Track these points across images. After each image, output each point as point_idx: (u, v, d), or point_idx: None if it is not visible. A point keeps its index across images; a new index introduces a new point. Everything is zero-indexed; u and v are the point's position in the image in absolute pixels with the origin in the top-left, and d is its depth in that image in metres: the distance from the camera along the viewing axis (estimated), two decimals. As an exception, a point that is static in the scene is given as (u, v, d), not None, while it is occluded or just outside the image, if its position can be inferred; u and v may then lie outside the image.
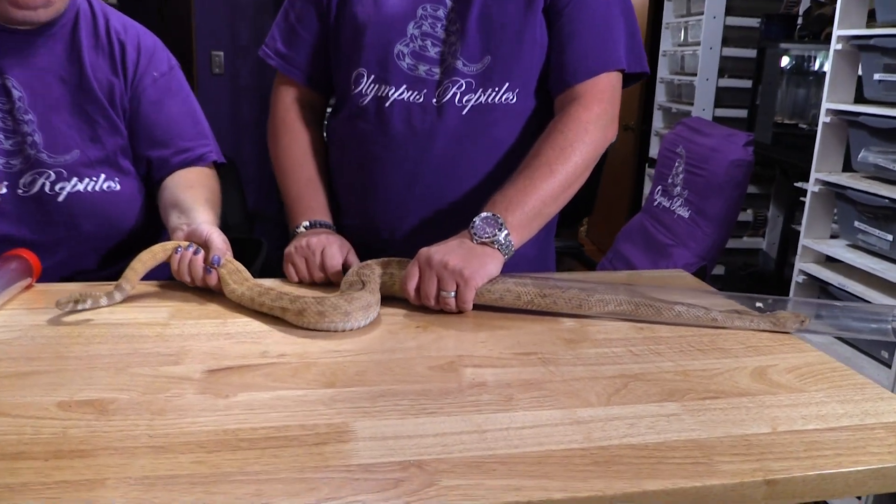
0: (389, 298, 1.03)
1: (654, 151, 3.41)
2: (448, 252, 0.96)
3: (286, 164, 1.21)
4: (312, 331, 0.92)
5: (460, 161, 1.13)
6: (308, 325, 0.92)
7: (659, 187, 2.20)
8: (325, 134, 1.28)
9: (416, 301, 0.99)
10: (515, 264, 1.05)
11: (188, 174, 1.19)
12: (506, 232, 0.98)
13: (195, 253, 1.03)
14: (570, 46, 1.10)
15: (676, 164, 2.12)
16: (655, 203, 2.19)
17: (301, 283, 1.10)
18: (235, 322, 0.94)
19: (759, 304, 1.00)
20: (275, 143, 1.23)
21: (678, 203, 2.05)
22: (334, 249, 1.08)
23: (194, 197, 1.12)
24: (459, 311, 0.98)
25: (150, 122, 1.17)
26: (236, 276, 1.01)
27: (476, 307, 0.98)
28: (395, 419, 0.70)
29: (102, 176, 1.14)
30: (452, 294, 0.96)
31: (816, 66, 2.60)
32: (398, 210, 1.16)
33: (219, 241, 1.02)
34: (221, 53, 3.75)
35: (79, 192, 1.12)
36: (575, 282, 1.02)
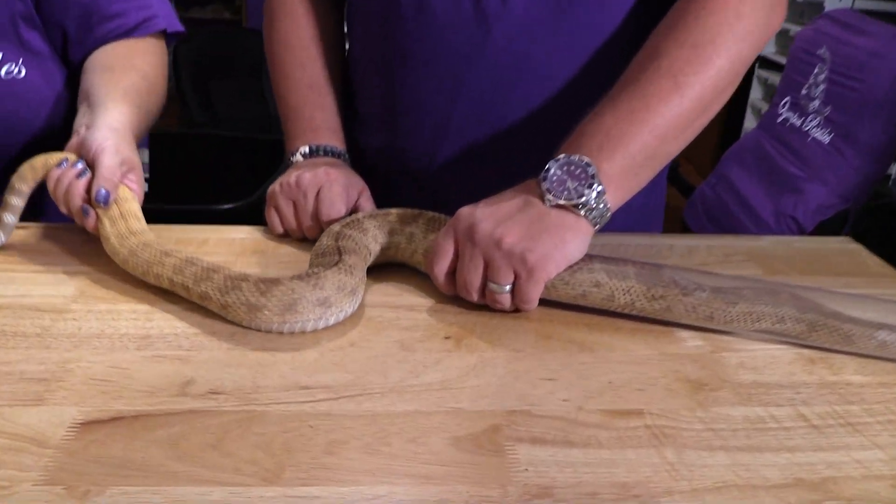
0: (407, 270, 0.68)
1: (768, 49, 2.83)
2: (503, 220, 0.59)
3: (283, 61, 0.84)
4: (271, 332, 0.58)
5: (529, 59, 0.73)
6: (238, 322, 0.59)
7: (787, 99, 1.72)
8: (344, 20, 0.89)
9: (447, 290, 0.64)
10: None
11: (114, 50, 0.82)
12: (599, 188, 0.60)
13: (79, 175, 0.68)
14: None
15: (816, 70, 1.63)
16: (781, 119, 1.72)
17: (288, 236, 0.76)
18: (169, 312, 0.61)
19: None
20: (269, 31, 0.86)
21: (815, 123, 1.58)
22: (336, 191, 0.72)
23: (109, 84, 0.76)
24: (516, 310, 0.63)
25: None
26: (121, 227, 0.66)
27: (543, 302, 0.62)
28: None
29: None
30: (507, 289, 0.60)
31: None
32: (436, 128, 0.78)
33: (109, 163, 0.67)
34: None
35: None
36: (701, 273, 0.63)
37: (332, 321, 0.59)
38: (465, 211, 0.61)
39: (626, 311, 0.62)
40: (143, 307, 0.61)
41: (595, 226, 0.61)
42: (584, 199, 0.59)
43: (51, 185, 0.68)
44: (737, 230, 1.63)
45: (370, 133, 0.84)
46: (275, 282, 0.58)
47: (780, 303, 0.59)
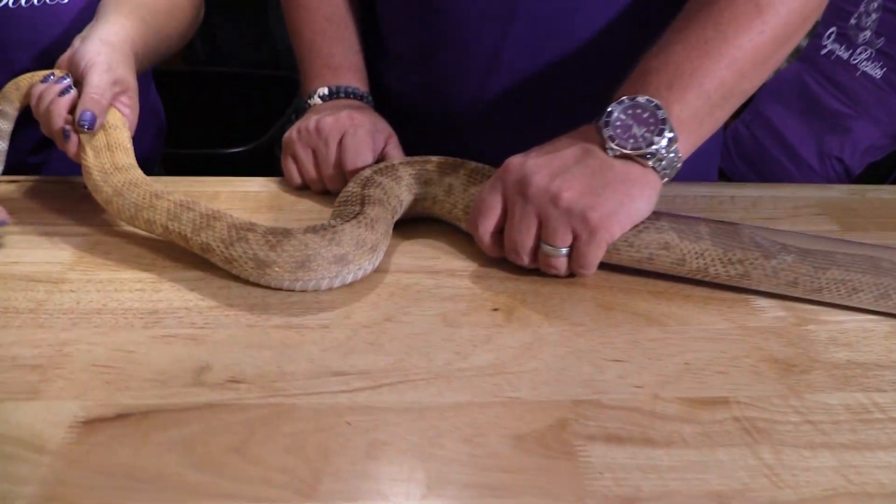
0: (443, 226, 0.61)
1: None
2: (560, 172, 0.51)
3: None
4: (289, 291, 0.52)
5: None
6: (244, 277, 0.53)
7: (833, 30, 1.59)
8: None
9: (492, 252, 0.56)
10: None
11: None
12: (670, 135, 0.51)
13: (63, 92, 0.59)
14: None
15: (866, -5, 1.50)
16: (825, 51, 1.59)
17: (308, 188, 0.68)
18: (178, 281, 0.54)
19: None
20: None
21: (865, 56, 1.46)
22: (361, 137, 0.64)
23: None
24: (571, 275, 0.55)
25: None
26: (106, 161, 0.57)
27: (601, 266, 0.55)
28: None
29: None
30: (564, 251, 0.52)
31: None
32: (485, 64, 0.68)
33: (98, 81, 0.58)
34: None
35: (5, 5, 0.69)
36: (784, 233, 0.55)
37: (349, 279, 0.53)
38: (514, 161, 0.53)
39: (696, 276, 0.54)
40: (149, 275, 0.54)
41: (664, 178, 0.53)
42: (653, 147, 0.51)
43: (33, 103, 0.59)
44: (775, 172, 1.53)
45: (402, 73, 0.75)
46: (286, 234, 0.51)
47: (882, 271, 0.51)
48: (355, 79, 0.72)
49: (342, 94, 0.70)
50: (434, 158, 0.61)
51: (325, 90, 0.70)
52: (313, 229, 0.52)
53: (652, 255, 0.54)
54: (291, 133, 0.67)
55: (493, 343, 0.49)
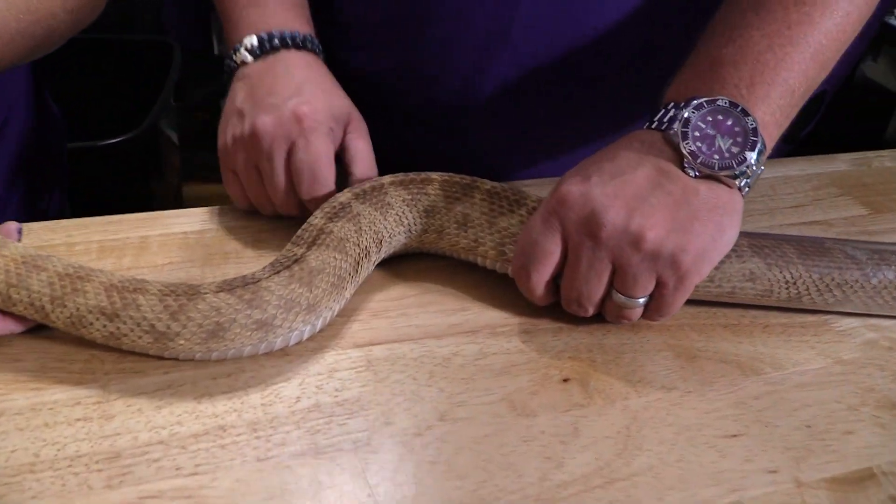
0: (451, 260, 0.49)
1: None
2: (637, 204, 0.40)
3: None
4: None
5: None
6: (140, 352, 0.40)
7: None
8: None
9: (543, 301, 0.44)
10: None
11: None
12: (760, 147, 0.41)
13: None
14: None
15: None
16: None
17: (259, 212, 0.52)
18: (133, 387, 0.38)
19: None
20: None
21: None
22: (316, 148, 0.47)
23: None
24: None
25: None
26: None
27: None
28: None
29: None
30: (643, 301, 0.42)
31: None
32: (479, 48, 0.55)
33: None
34: None
35: None
36: (869, 242, 0.48)
37: (277, 345, 0.41)
38: (573, 191, 0.41)
39: (786, 305, 0.46)
40: (88, 391, 0.38)
41: (745, 195, 0.43)
42: (744, 166, 0.41)
43: None
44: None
45: (372, 52, 0.59)
46: (191, 294, 0.39)
47: None
48: (293, 16, 0.53)
49: (278, 43, 0.51)
50: (434, 177, 0.48)
51: (254, 39, 0.51)
52: (230, 285, 0.39)
53: (735, 289, 0.45)
54: (224, 140, 0.50)
55: (584, 435, 0.38)
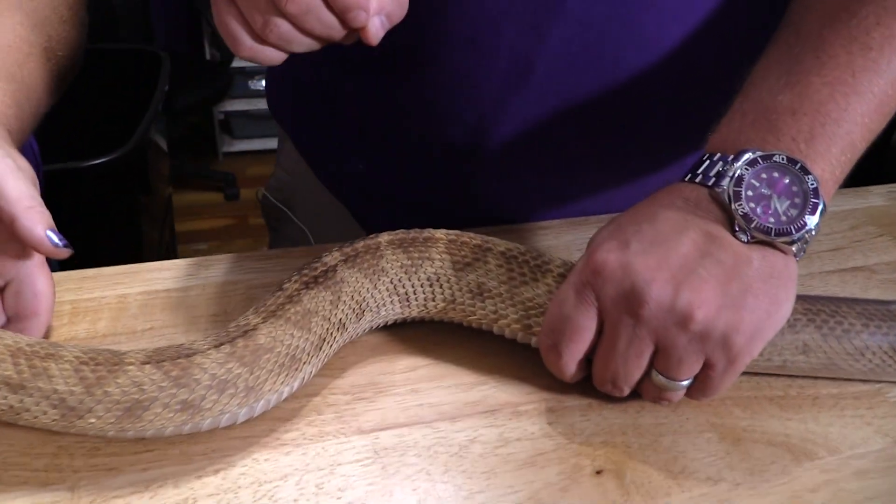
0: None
1: None
2: (684, 276, 0.35)
3: None
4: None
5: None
6: (46, 428, 0.35)
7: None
8: None
9: (574, 379, 0.39)
10: None
11: None
12: (821, 208, 0.36)
13: None
14: None
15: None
16: None
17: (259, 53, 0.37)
18: (106, 489, 0.34)
19: None
20: None
21: None
22: None
23: None
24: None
25: None
26: None
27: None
28: None
29: None
30: (686, 384, 0.37)
31: None
32: (501, 81, 0.49)
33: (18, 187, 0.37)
34: None
35: None
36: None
37: (205, 427, 0.36)
38: (609, 259, 0.36)
39: (847, 377, 0.42)
40: (52, 498, 0.33)
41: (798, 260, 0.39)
42: (804, 231, 0.36)
43: None
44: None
45: (374, 81, 0.54)
46: (110, 365, 0.34)
47: None
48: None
49: None
50: (438, 235, 0.43)
51: None
52: (159, 356, 0.34)
53: (787, 363, 0.40)
54: None
55: (624, 543, 0.33)
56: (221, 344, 0.35)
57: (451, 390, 0.40)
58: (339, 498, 0.34)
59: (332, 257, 0.41)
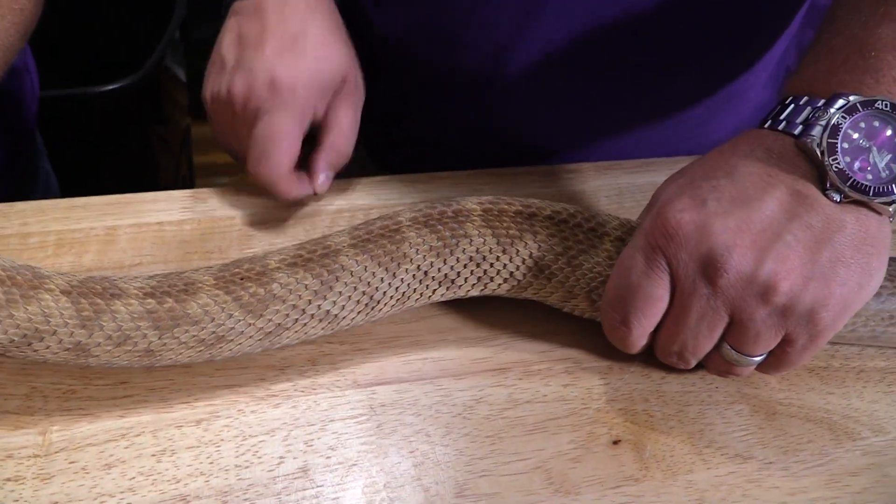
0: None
1: None
2: (768, 243, 0.30)
3: None
4: None
5: None
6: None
7: None
8: None
9: (638, 350, 0.35)
10: None
11: None
12: None
13: None
14: None
15: None
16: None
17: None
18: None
19: None
20: None
21: None
22: (277, 125, 0.40)
23: None
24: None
25: None
26: None
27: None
28: None
29: None
30: (759, 359, 0.33)
31: None
32: (517, 8, 0.44)
33: None
34: None
35: None
36: None
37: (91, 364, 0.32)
38: (684, 219, 0.31)
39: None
40: (22, 441, 0.31)
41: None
42: None
43: None
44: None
45: (392, 8, 0.49)
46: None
47: None
48: None
49: None
50: (471, 206, 0.36)
51: None
52: (81, 288, 0.31)
53: (875, 333, 0.36)
54: (206, 88, 0.45)
55: (640, 524, 0.30)
56: (149, 296, 0.32)
57: (457, 345, 0.37)
58: (328, 458, 0.31)
59: (339, 239, 0.34)
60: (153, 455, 0.31)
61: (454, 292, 0.37)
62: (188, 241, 0.42)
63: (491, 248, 0.36)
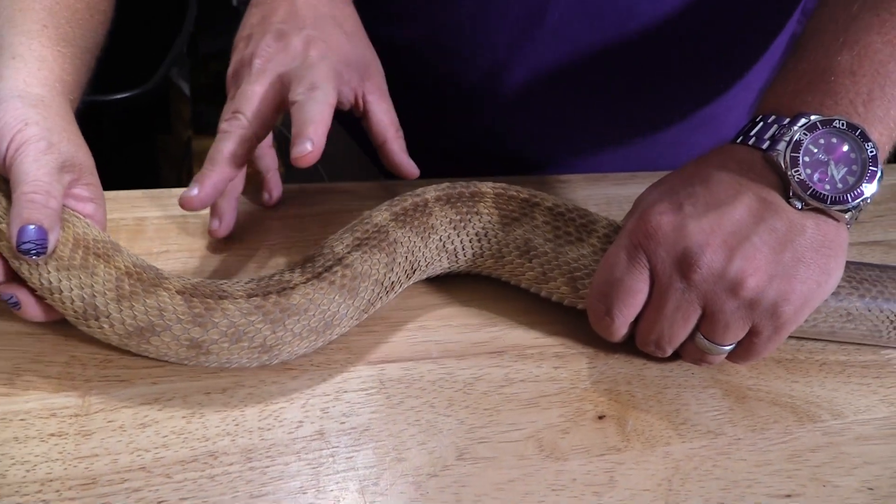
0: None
1: None
2: (738, 243, 0.34)
3: None
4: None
5: None
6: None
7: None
8: None
9: (620, 339, 0.39)
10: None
11: None
12: (879, 175, 0.35)
13: None
14: None
15: None
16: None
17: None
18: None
19: None
20: None
21: None
22: (263, 80, 0.42)
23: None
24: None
25: None
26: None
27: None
28: None
29: None
30: (729, 348, 0.37)
31: None
32: (514, 27, 0.49)
33: (35, 171, 0.34)
34: None
35: None
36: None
37: (211, 365, 0.36)
38: (663, 221, 0.35)
39: (886, 345, 0.42)
40: (64, 402, 0.34)
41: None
42: (860, 199, 0.35)
43: None
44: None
45: (394, 19, 0.53)
46: (146, 285, 0.34)
47: None
48: None
49: None
50: (485, 189, 0.41)
51: None
52: (191, 290, 0.34)
53: (833, 329, 0.40)
54: (231, 66, 0.45)
55: (620, 485, 0.34)
56: (252, 297, 0.35)
57: (459, 329, 0.41)
58: (342, 423, 0.35)
59: (381, 216, 0.39)
60: (184, 417, 0.34)
61: (452, 265, 0.42)
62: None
63: (491, 227, 0.41)
